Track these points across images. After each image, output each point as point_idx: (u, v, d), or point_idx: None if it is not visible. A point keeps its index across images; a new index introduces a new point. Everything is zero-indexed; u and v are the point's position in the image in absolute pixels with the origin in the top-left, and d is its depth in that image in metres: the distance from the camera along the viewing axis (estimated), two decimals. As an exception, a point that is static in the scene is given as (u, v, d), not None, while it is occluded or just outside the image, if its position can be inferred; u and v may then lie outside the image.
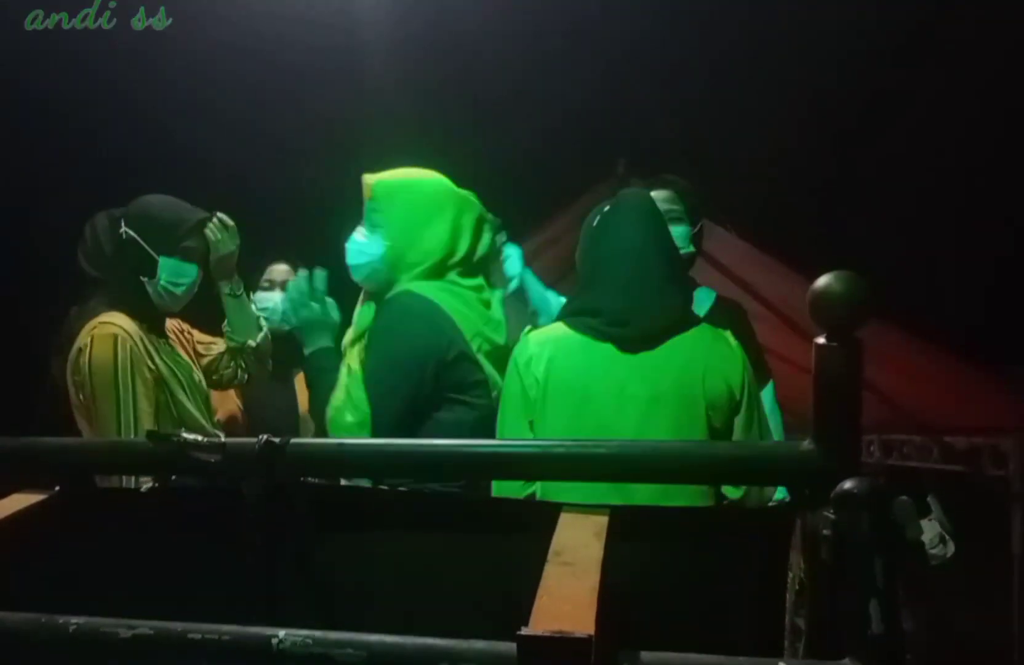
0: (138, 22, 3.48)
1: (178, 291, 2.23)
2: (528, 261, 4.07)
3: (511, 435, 1.81)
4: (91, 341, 2.07)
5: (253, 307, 2.66)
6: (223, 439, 1.18)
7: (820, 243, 3.55)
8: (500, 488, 1.59)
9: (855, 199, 4.11)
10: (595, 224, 1.91)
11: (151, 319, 2.21)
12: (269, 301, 2.71)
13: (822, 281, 0.97)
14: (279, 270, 2.76)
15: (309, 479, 1.23)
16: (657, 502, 1.44)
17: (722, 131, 3.95)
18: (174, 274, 2.20)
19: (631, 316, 1.79)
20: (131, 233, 2.16)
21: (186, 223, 2.22)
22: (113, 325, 2.10)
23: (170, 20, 3.46)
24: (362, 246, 2.01)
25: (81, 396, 2.09)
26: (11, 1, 3.44)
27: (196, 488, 1.33)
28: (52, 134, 3.57)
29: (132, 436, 2.04)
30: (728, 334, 1.85)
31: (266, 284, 2.75)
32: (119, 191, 2.30)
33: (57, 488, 1.28)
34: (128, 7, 3.47)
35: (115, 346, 2.07)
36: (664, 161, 3.78)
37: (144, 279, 2.18)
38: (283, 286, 2.69)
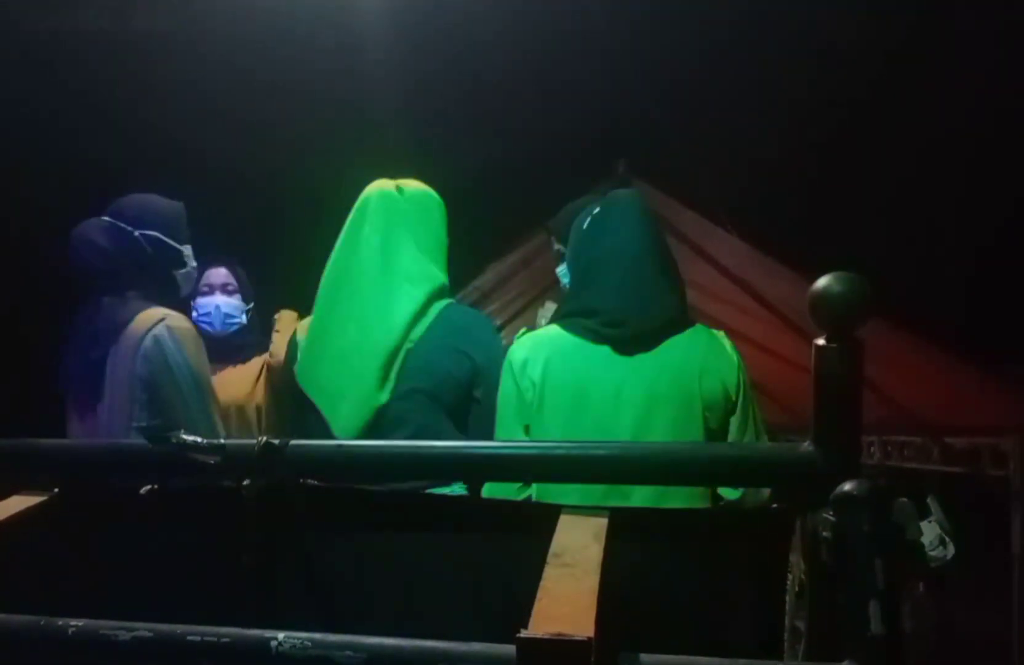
0: (138, 22, 3.49)
1: (193, 273, 2.35)
2: (528, 262, 4.09)
3: (507, 438, 1.80)
4: (168, 331, 2.09)
5: (195, 313, 2.71)
6: (223, 440, 1.18)
7: (820, 243, 3.55)
8: (495, 489, 1.59)
9: (855, 199, 4.12)
10: (586, 226, 1.90)
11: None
12: (209, 305, 2.73)
13: (822, 281, 0.97)
14: (217, 274, 2.78)
15: (309, 479, 1.23)
16: (656, 504, 1.44)
17: (723, 131, 3.95)
18: (192, 258, 2.31)
19: (627, 318, 1.78)
20: (152, 234, 2.22)
21: (183, 210, 2.32)
22: (182, 318, 2.16)
23: (169, 21, 3.46)
24: None
25: (156, 388, 2.08)
26: (11, 1, 3.44)
27: (196, 489, 1.32)
28: (43, 134, 3.58)
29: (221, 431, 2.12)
30: (723, 335, 1.85)
31: (205, 288, 2.78)
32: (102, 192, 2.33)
33: (56, 489, 1.28)
34: (128, 7, 3.48)
35: (195, 340, 2.13)
36: (664, 161, 3.79)
37: (175, 272, 2.27)
38: (222, 289, 2.73)
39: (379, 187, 2.00)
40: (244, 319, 2.76)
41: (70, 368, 2.18)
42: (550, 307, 2.02)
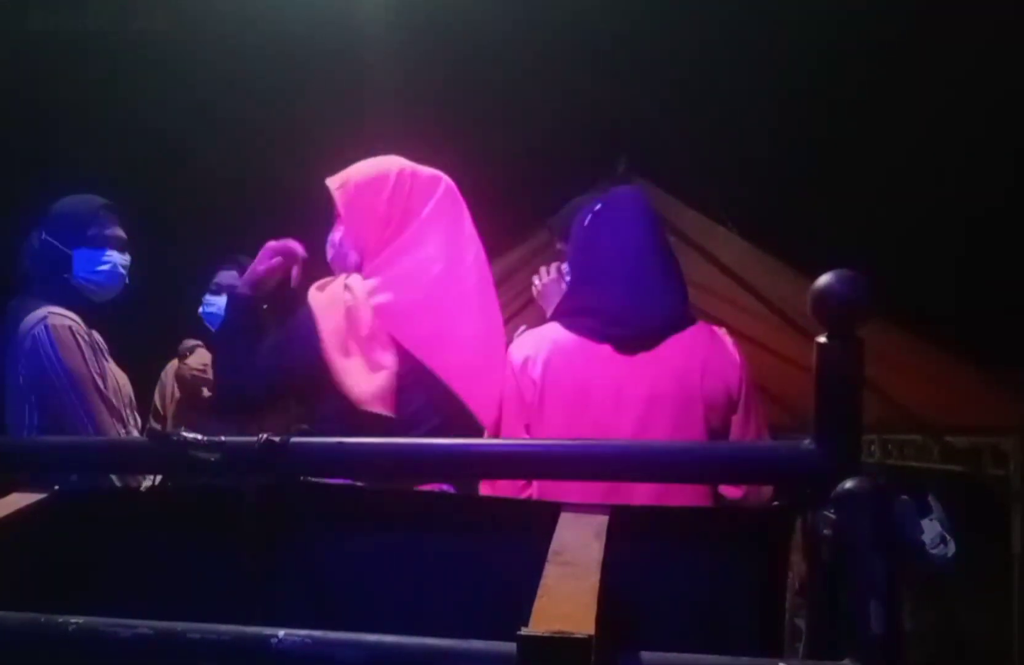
0: (138, 23, 3.49)
1: (100, 279, 2.26)
2: (529, 259, 4.08)
3: (507, 436, 1.80)
4: (45, 329, 2.11)
5: (202, 309, 2.79)
6: (223, 438, 1.18)
7: (820, 242, 3.55)
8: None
9: (856, 198, 4.11)
10: (587, 223, 1.89)
11: (84, 315, 2.23)
12: (215, 305, 2.76)
13: (823, 280, 0.97)
14: (227, 275, 2.79)
15: (309, 479, 1.22)
16: (657, 502, 1.44)
17: (723, 129, 3.94)
18: (89, 263, 2.23)
19: (629, 316, 1.77)
20: (46, 235, 2.23)
21: (86, 211, 2.26)
22: (64, 316, 2.15)
23: (168, 22, 3.46)
24: None
25: (38, 387, 2.10)
26: (11, 1, 3.44)
27: (196, 488, 1.32)
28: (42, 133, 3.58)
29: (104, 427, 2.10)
30: (726, 334, 1.85)
31: (214, 287, 2.81)
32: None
33: (56, 488, 1.28)
34: (128, 7, 3.48)
35: (73, 336, 2.12)
36: (665, 159, 3.78)
37: (65, 275, 2.22)
38: (229, 291, 2.75)
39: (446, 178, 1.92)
40: None
41: None
42: (523, 330, 1.98)
